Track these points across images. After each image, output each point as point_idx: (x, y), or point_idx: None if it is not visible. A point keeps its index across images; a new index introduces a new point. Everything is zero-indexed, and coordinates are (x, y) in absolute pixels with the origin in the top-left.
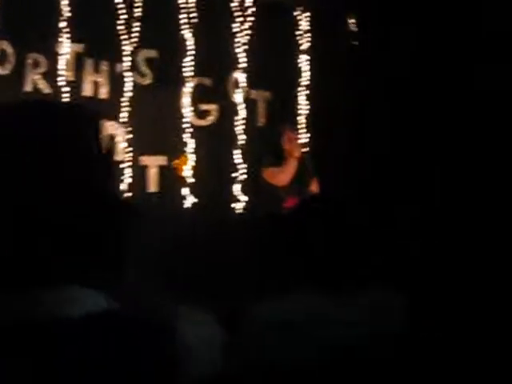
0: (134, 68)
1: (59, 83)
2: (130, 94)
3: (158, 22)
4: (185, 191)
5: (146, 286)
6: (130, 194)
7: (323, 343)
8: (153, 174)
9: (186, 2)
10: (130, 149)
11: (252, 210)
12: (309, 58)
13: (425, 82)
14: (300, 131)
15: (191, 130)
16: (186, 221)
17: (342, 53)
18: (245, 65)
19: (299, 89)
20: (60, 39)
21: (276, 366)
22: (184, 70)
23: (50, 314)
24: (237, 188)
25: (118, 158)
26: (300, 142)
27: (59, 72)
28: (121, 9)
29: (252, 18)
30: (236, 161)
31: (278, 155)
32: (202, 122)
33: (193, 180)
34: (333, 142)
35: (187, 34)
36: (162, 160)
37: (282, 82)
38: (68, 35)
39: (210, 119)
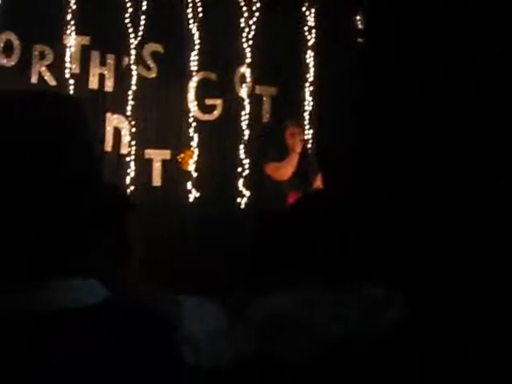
0: (139, 61)
1: (65, 75)
2: (135, 87)
3: (164, 16)
4: (189, 185)
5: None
6: (133, 188)
7: (324, 337)
8: (157, 168)
9: None
10: (135, 142)
11: (255, 204)
12: (315, 54)
13: (431, 78)
14: (304, 127)
15: (196, 124)
16: (190, 215)
17: (348, 49)
18: (250, 60)
19: (305, 85)
20: (66, 31)
21: (275, 359)
22: (190, 64)
23: (50, 304)
24: (241, 183)
25: (122, 151)
26: (303, 137)
27: (65, 64)
28: (127, 2)
29: (258, 13)
30: (240, 156)
31: (282, 150)
32: (207, 117)
33: (196, 174)
34: (337, 138)
35: (193, 29)
36: (166, 154)
37: (288, 77)
38: (74, 27)
39: (215, 114)
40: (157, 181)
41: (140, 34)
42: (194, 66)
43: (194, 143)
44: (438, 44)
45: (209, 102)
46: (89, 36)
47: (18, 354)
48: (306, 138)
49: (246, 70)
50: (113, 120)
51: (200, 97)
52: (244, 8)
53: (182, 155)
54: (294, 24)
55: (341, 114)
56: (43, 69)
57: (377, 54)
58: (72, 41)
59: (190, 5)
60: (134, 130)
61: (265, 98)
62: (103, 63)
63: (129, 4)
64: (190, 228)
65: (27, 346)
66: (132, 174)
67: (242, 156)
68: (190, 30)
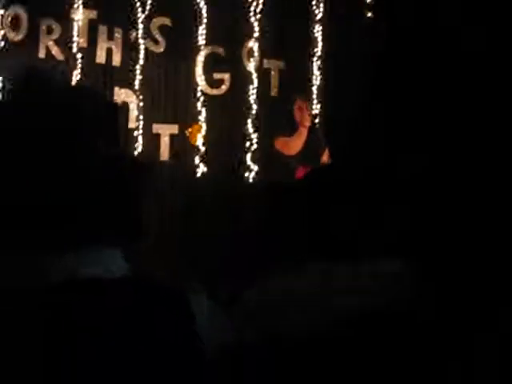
0: (147, 35)
1: (73, 50)
2: (143, 61)
3: None
4: (197, 159)
5: (160, 252)
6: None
7: (338, 311)
8: (165, 142)
9: None
10: (142, 117)
11: (264, 178)
12: (323, 27)
13: (438, 56)
14: (312, 101)
15: (204, 98)
16: (198, 189)
17: (357, 23)
18: (258, 34)
19: (312, 59)
20: (74, 5)
21: (285, 336)
22: (197, 38)
23: (71, 275)
24: (249, 157)
25: (130, 125)
26: (311, 111)
27: (73, 38)
28: None
29: None
30: (249, 130)
31: (290, 125)
32: (215, 91)
33: (204, 149)
34: (345, 113)
35: (201, 2)
36: (174, 128)
37: (296, 51)
38: (81, 1)
39: (223, 88)
40: (165, 155)
41: (147, 7)
42: (201, 40)
43: (202, 118)
44: (448, 21)
45: (217, 76)
46: (96, 10)
47: (43, 323)
48: (313, 112)
49: (253, 44)
50: (121, 94)
51: (208, 71)
52: None
53: (189, 130)
54: None
55: (348, 89)
56: (50, 43)
57: (385, 27)
58: (79, 15)
59: None
60: (141, 104)
61: (273, 72)
62: (111, 37)
63: None
64: (198, 202)
65: (51, 316)
66: (140, 149)
67: (250, 130)
68: (198, 3)
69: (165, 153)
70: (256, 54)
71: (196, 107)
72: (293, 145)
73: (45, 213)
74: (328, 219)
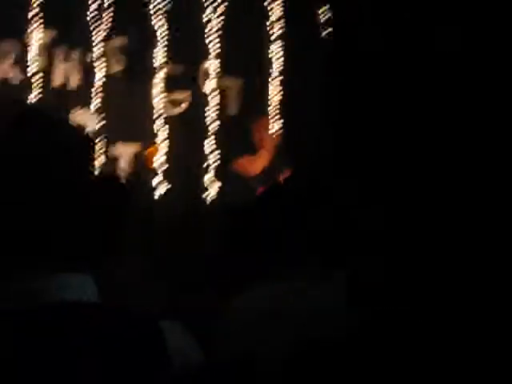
0: (105, 56)
1: (30, 71)
2: (101, 82)
3: (129, 10)
4: (155, 181)
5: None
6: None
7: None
8: (124, 163)
9: None
10: (102, 137)
11: (224, 199)
12: (281, 46)
13: (397, 71)
14: (272, 120)
15: (162, 118)
16: (158, 209)
17: (315, 41)
18: (216, 52)
19: (271, 77)
20: (31, 27)
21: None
22: (155, 58)
23: (42, 299)
24: (208, 177)
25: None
26: (272, 131)
27: (30, 60)
28: None
29: (224, 6)
30: (207, 150)
31: (250, 145)
32: (174, 111)
33: (162, 170)
34: (305, 132)
35: (158, 22)
36: (132, 149)
37: (254, 70)
38: (39, 23)
39: (182, 108)
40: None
41: (105, 28)
42: (159, 60)
43: (161, 138)
44: (405, 37)
45: (175, 96)
46: (53, 32)
47: (8, 349)
48: (273, 131)
49: (211, 64)
50: (78, 116)
51: (166, 91)
52: (209, 1)
53: (147, 151)
54: (259, 16)
55: (308, 107)
56: (8, 65)
57: (343, 44)
58: (37, 36)
59: None
60: (99, 125)
61: (231, 91)
62: (68, 59)
63: None
64: (159, 222)
65: (17, 341)
66: (98, 170)
67: (209, 150)
68: (155, 24)
69: (124, 173)
70: (214, 73)
71: (154, 127)
72: (253, 165)
73: (17, 238)
74: (287, 236)
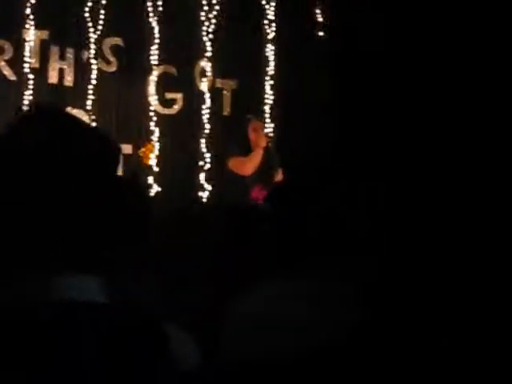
0: (99, 55)
1: (24, 70)
2: (95, 81)
3: (123, 10)
4: (150, 180)
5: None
6: None
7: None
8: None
9: None
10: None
11: (217, 199)
12: (275, 47)
13: (390, 71)
14: (265, 121)
15: (156, 118)
16: (151, 209)
17: (309, 42)
18: (210, 53)
19: (265, 78)
20: (25, 26)
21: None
22: (150, 58)
23: (47, 298)
24: (202, 177)
25: None
26: (265, 131)
27: (24, 59)
28: None
29: (218, 7)
30: (201, 150)
31: (244, 145)
32: (168, 111)
33: (157, 169)
34: (298, 132)
35: (153, 22)
36: (127, 148)
37: (248, 71)
38: (33, 22)
39: (176, 108)
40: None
41: (100, 27)
42: (154, 59)
43: (155, 137)
44: (401, 37)
45: (169, 95)
46: (48, 30)
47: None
48: (267, 132)
49: (206, 64)
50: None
51: (160, 91)
52: (204, 1)
53: (142, 149)
54: (254, 17)
55: (302, 108)
56: (2, 63)
57: (337, 46)
58: (31, 35)
59: None
60: (94, 124)
61: (225, 92)
62: (63, 57)
63: None
64: (151, 223)
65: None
66: None
67: (204, 150)
68: (150, 23)
69: (119, 173)
70: (208, 73)
71: (149, 127)
72: (248, 165)
73: (25, 236)
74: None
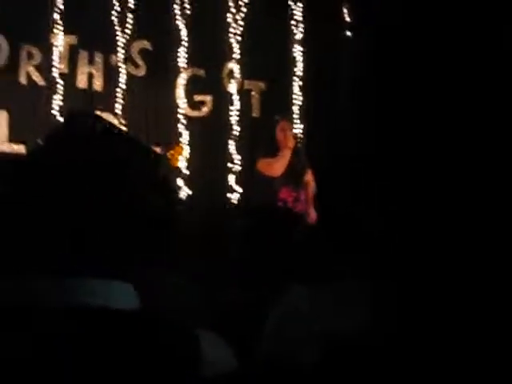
0: (128, 59)
1: (53, 75)
2: (124, 85)
3: (151, 13)
4: (179, 182)
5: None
6: None
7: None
8: None
9: None
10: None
11: (246, 200)
12: (303, 48)
13: (419, 73)
14: (294, 122)
15: (186, 120)
16: (181, 211)
17: (337, 43)
18: (239, 55)
19: (293, 79)
20: (54, 31)
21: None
22: (178, 60)
23: (82, 303)
24: (232, 179)
25: None
26: (294, 132)
27: (53, 64)
28: (114, 0)
29: (245, 9)
30: (231, 151)
31: (272, 146)
32: (197, 113)
33: (187, 171)
34: (327, 133)
35: (181, 25)
36: (156, 151)
37: (277, 72)
38: (62, 27)
39: (205, 110)
40: None
41: (128, 31)
42: (182, 62)
43: (184, 140)
44: (431, 36)
45: (198, 98)
46: (76, 35)
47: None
48: (295, 132)
49: (234, 66)
50: None
51: (189, 93)
52: (231, 3)
53: (171, 152)
54: (281, 18)
55: (330, 108)
56: (31, 69)
57: (365, 45)
58: (60, 40)
59: (178, 1)
60: (123, 128)
61: (254, 93)
62: (91, 62)
63: (115, 2)
64: (182, 224)
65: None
66: None
67: (233, 152)
68: (178, 26)
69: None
70: (237, 75)
71: (178, 129)
72: (276, 166)
73: (61, 241)
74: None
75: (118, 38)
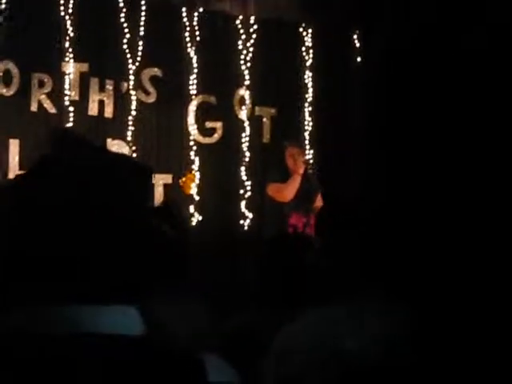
0: (138, 86)
1: (64, 103)
2: (135, 112)
3: (162, 41)
4: (191, 209)
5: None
6: None
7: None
8: (158, 192)
9: (190, 20)
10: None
11: (257, 226)
12: (313, 74)
13: (431, 98)
14: (304, 147)
15: (197, 147)
16: (193, 238)
17: (347, 68)
18: (249, 82)
19: (304, 105)
20: (65, 59)
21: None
22: (188, 87)
23: (88, 329)
24: (243, 205)
25: None
26: (304, 158)
27: (64, 91)
28: (125, 28)
29: (256, 35)
30: (242, 177)
31: (283, 171)
32: (208, 140)
33: (198, 198)
34: (337, 158)
35: (191, 52)
36: (167, 178)
37: (287, 98)
38: (72, 55)
39: (216, 136)
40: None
41: (138, 59)
42: (192, 89)
43: (196, 166)
44: (441, 61)
45: (209, 124)
46: (87, 63)
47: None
48: (306, 158)
49: (244, 92)
50: (113, 146)
51: (200, 120)
52: (241, 30)
53: (183, 179)
54: (291, 44)
55: (340, 134)
56: (43, 97)
57: (376, 72)
58: (70, 68)
59: (188, 28)
60: (134, 155)
61: (264, 119)
62: (102, 89)
63: (126, 30)
64: (194, 251)
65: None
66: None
67: (244, 178)
68: (188, 53)
69: (157, 202)
70: (247, 101)
71: (189, 156)
72: (286, 191)
73: (64, 267)
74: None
75: (128, 65)
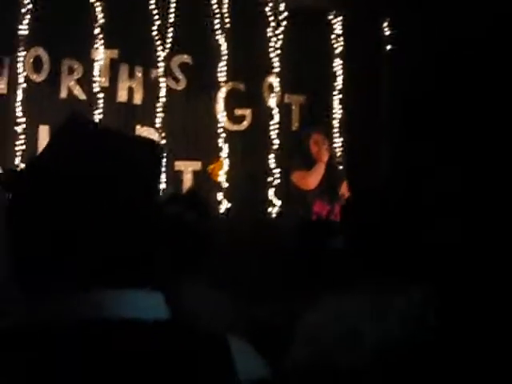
0: (168, 73)
1: (94, 89)
2: (164, 99)
3: (191, 28)
4: (219, 196)
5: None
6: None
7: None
8: (187, 179)
9: (220, 7)
10: (165, 154)
11: (281, 213)
12: (342, 61)
13: (459, 86)
14: (332, 135)
15: (226, 134)
16: (222, 225)
17: (377, 57)
18: (278, 69)
19: (333, 93)
20: (95, 45)
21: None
22: (218, 74)
23: (111, 314)
24: (271, 192)
25: None
26: (330, 145)
27: (94, 78)
28: (155, 14)
29: (285, 23)
30: (270, 165)
31: (308, 159)
32: (237, 127)
33: (227, 185)
34: (364, 146)
35: (221, 39)
36: (196, 165)
37: (316, 86)
38: (102, 41)
39: (245, 124)
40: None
41: (168, 45)
42: (222, 76)
43: (224, 154)
44: (471, 48)
45: (238, 112)
46: (117, 49)
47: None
48: (334, 145)
49: (274, 80)
50: (142, 133)
51: (229, 107)
52: (271, 17)
53: (211, 166)
54: (321, 32)
55: (369, 122)
56: (72, 83)
57: (405, 60)
58: (100, 55)
59: (218, 15)
60: (163, 142)
61: (293, 107)
62: (132, 76)
63: (156, 16)
64: (222, 239)
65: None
66: (163, 186)
67: (273, 165)
68: (218, 40)
69: (188, 189)
70: (276, 89)
71: (218, 143)
72: (310, 179)
73: (91, 252)
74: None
75: (158, 52)
